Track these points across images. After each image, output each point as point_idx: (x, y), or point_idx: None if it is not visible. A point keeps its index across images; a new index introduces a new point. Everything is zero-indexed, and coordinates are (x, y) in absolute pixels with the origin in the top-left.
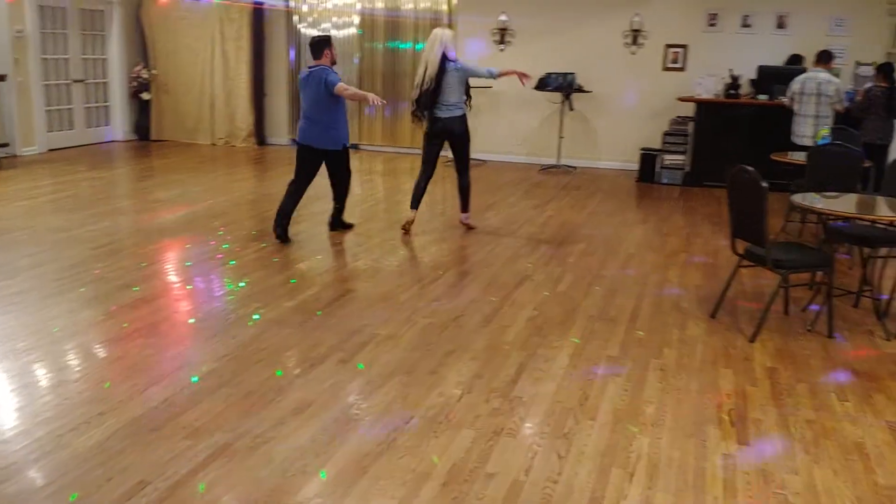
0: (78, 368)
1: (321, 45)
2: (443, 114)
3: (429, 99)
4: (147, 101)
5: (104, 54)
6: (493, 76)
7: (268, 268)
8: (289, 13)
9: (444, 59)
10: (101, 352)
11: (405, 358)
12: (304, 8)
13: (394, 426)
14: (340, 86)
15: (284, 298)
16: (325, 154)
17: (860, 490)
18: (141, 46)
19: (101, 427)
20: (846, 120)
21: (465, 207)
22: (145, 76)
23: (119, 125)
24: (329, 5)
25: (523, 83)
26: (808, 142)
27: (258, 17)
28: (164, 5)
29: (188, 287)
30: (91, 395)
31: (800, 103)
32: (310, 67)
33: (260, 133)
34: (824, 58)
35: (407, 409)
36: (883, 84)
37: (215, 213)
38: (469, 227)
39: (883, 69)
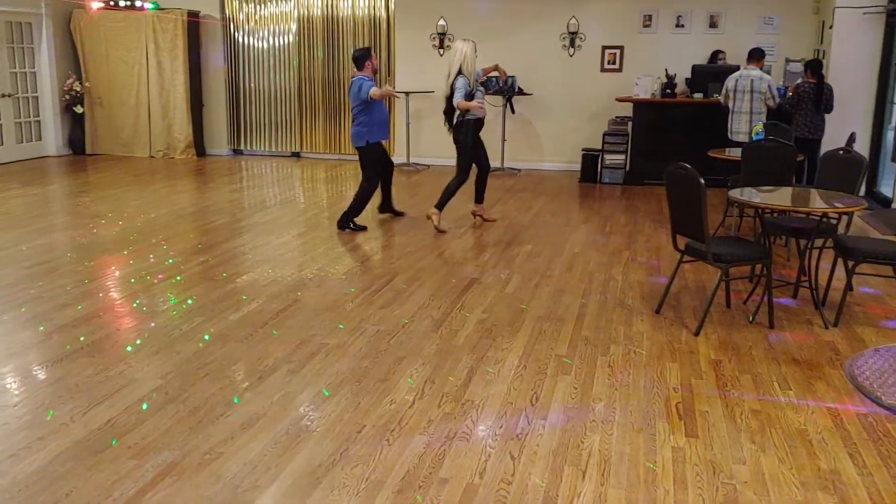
0: (17, 392)
1: (362, 58)
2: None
3: (447, 107)
4: (80, 115)
5: (34, 67)
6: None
7: (212, 281)
8: (224, 23)
9: (459, 72)
10: (40, 374)
11: (355, 367)
12: (241, 17)
13: (346, 436)
14: (372, 90)
15: (230, 311)
16: (358, 150)
17: (804, 476)
18: (72, 58)
19: (42, 452)
20: (778, 116)
21: (440, 205)
22: (78, 89)
23: (52, 140)
24: (266, 13)
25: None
26: (743, 138)
27: (193, 27)
28: (95, 16)
29: (131, 304)
30: (31, 420)
31: (734, 101)
32: (353, 77)
33: (199, 144)
34: (755, 56)
35: (358, 418)
36: (811, 80)
37: (156, 227)
38: (433, 226)
39: (811, 66)
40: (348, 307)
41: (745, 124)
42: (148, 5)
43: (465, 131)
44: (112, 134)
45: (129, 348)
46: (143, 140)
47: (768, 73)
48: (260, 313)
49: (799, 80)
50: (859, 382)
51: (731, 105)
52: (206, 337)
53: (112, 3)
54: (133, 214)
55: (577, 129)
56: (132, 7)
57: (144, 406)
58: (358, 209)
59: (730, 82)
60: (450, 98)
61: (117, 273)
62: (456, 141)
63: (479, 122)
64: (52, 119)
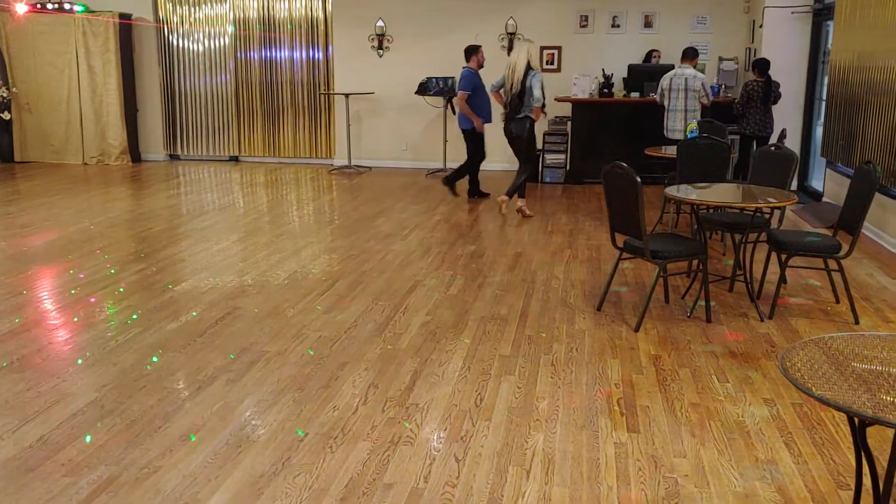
0: None
1: (469, 51)
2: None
3: (512, 99)
4: (8, 122)
5: None
6: (535, 102)
7: (149, 290)
8: (158, 25)
9: (528, 67)
10: None
11: (297, 374)
12: (175, 19)
13: (288, 445)
14: (460, 94)
15: (167, 321)
16: (463, 132)
17: (743, 467)
18: None
19: None
20: (721, 115)
21: (510, 193)
22: (4, 95)
23: None
24: (201, 15)
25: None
26: (679, 136)
27: (125, 30)
28: (22, 20)
29: (64, 315)
30: None
31: (668, 99)
32: (463, 67)
33: (134, 150)
34: (689, 55)
35: (301, 425)
36: (759, 79)
37: (91, 236)
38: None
39: (758, 65)
40: (289, 313)
41: (680, 122)
42: (77, 8)
43: (527, 125)
44: (42, 141)
45: (61, 362)
46: (76, 146)
47: (702, 71)
48: (199, 322)
49: (748, 80)
50: (791, 374)
51: (666, 103)
52: (141, 346)
53: (39, 5)
54: (67, 223)
55: None
56: (61, 10)
57: (78, 420)
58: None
59: (664, 81)
60: (521, 92)
61: (49, 284)
62: (517, 133)
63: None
64: None
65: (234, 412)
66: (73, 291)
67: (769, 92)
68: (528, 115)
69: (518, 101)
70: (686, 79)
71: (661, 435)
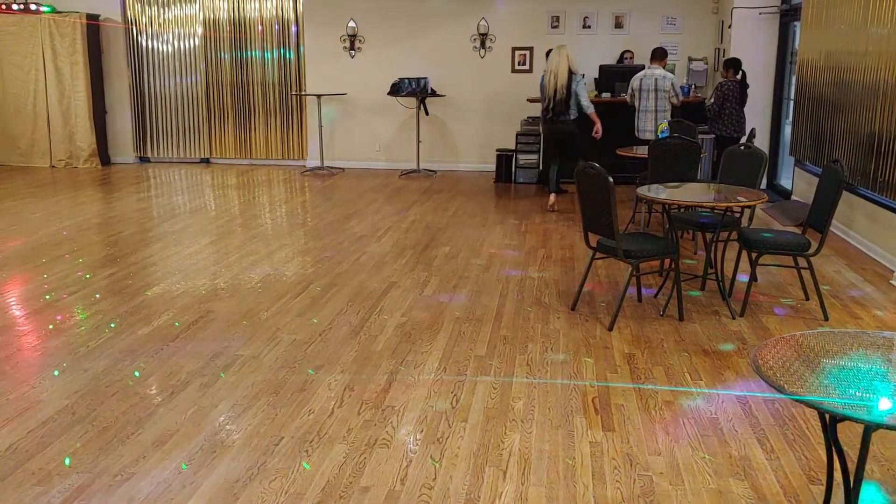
0: None
1: (654, 53)
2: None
3: (558, 106)
4: None
5: None
6: (586, 110)
7: (119, 294)
8: (127, 26)
9: (570, 72)
10: None
11: (271, 378)
12: (143, 20)
13: (263, 449)
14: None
15: (139, 325)
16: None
17: (717, 464)
18: None
19: None
20: (691, 115)
21: (556, 190)
22: None
23: None
24: (170, 16)
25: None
26: (650, 136)
27: (93, 31)
28: None
29: (33, 321)
30: None
31: (639, 99)
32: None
33: (103, 152)
34: (658, 55)
35: (275, 430)
36: (733, 79)
37: (59, 240)
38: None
39: (732, 64)
40: (263, 316)
41: (650, 122)
42: (43, 8)
43: (575, 126)
44: (8, 143)
45: (30, 369)
46: (43, 149)
47: (672, 71)
48: (171, 326)
49: (721, 81)
50: (763, 372)
51: (637, 104)
52: (112, 350)
53: (4, 6)
54: (34, 228)
55: (491, 130)
56: (26, 10)
57: (48, 427)
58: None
59: (634, 82)
60: (567, 97)
61: (17, 290)
62: (571, 132)
63: None
64: None
65: (207, 417)
66: (46, 297)
67: (745, 92)
68: (573, 118)
69: (564, 106)
70: (656, 79)
71: (635, 433)
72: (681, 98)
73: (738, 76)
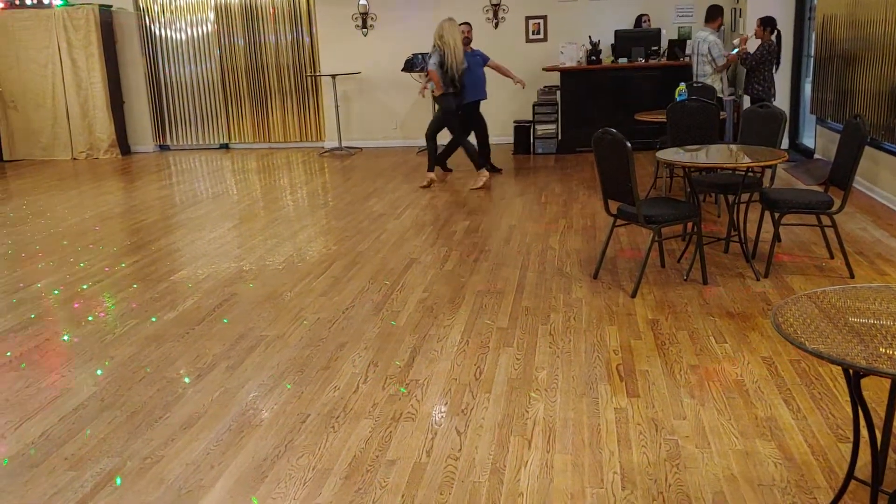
0: None
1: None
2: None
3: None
4: None
5: None
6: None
7: (144, 280)
8: (139, 15)
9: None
10: None
11: (296, 357)
12: (155, 8)
13: (290, 427)
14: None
15: (165, 310)
16: None
17: (742, 425)
18: None
19: None
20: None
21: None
22: None
23: None
24: (181, 3)
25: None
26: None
27: (106, 22)
28: (1, 15)
29: (61, 311)
30: None
31: (694, 64)
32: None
33: (123, 142)
34: (708, 14)
35: (302, 407)
36: (769, 40)
37: (84, 230)
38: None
39: (768, 23)
40: (287, 297)
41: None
42: (56, 2)
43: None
44: (30, 138)
45: (59, 357)
46: (64, 142)
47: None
48: (196, 310)
49: (758, 42)
50: (784, 330)
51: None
52: (138, 337)
53: (17, 1)
54: (59, 219)
55: (507, 102)
56: (40, 4)
57: (79, 414)
58: None
59: (688, 45)
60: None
61: (44, 281)
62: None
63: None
64: None
65: (234, 398)
66: (63, 287)
67: (780, 53)
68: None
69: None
70: (698, 43)
71: (660, 398)
72: (718, 63)
73: (774, 37)
